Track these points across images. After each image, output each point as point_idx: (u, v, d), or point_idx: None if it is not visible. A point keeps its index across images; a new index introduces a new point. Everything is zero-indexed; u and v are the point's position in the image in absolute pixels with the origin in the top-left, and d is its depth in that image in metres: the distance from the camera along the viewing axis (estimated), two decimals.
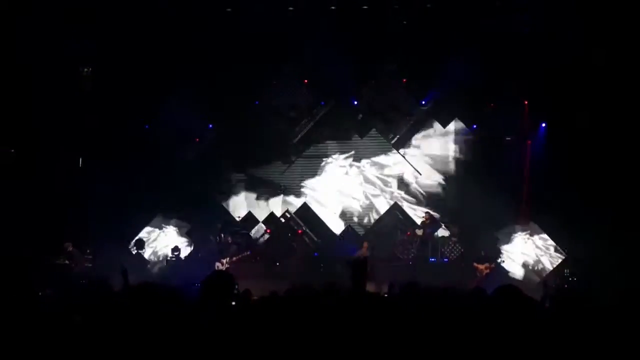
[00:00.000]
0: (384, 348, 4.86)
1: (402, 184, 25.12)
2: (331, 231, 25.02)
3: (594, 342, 4.83)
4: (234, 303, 6.27)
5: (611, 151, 21.26)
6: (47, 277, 16.21)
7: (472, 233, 23.63)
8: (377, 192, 25.15)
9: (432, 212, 24.31)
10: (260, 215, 25.26)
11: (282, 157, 25.39)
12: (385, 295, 15.24)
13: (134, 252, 24.41)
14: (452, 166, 24.79)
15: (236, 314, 5.40)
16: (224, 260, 22.52)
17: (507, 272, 23.37)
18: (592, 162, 21.55)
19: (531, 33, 22.25)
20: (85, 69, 24.46)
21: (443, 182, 24.77)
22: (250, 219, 25.21)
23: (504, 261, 23.46)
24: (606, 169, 21.34)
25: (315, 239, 25.16)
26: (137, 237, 24.71)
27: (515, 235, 23.81)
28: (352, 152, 25.19)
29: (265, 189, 25.23)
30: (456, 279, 21.84)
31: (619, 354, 4.74)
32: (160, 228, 25.04)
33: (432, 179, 24.88)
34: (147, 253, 24.71)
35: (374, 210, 25.18)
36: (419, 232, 23.71)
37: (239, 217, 25.03)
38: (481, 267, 22.80)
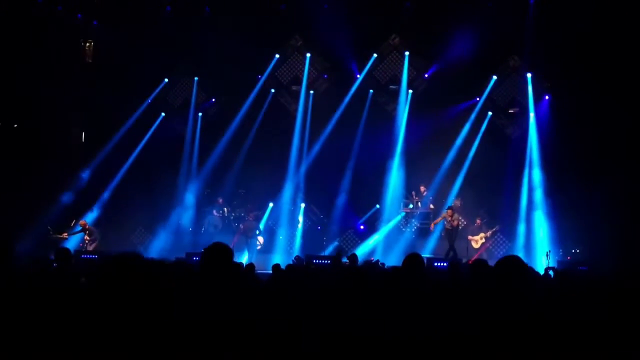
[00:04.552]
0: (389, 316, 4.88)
1: None
2: (335, 204, 24.81)
3: (595, 310, 4.86)
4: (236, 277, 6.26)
5: (616, 124, 21.20)
6: (51, 249, 16.33)
7: (474, 205, 23.60)
8: None
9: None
10: (263, 189, 25.05)
11: (283, 129, 25.17)
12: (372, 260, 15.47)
13: None
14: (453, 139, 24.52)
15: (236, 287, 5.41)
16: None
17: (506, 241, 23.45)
18: (596, 135, 21.53)
19: (535, 4, 22.15)
20: (87, 43, 24.50)
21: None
22: (252, 193, 24.99)
23: (498, 230, 23.35)
24: (610, 142, 21.32)
25: (318, 212, 25.13)
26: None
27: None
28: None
29: (267, 163, 24.96)
30: (461, 251, 22.10)
31: (619, 322, 4.77)
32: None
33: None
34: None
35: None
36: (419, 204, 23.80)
37: (242, 191, 24.88)
38: (476, 238, 22.89)
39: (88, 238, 21.80)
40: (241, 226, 23.26)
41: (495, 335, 4.36)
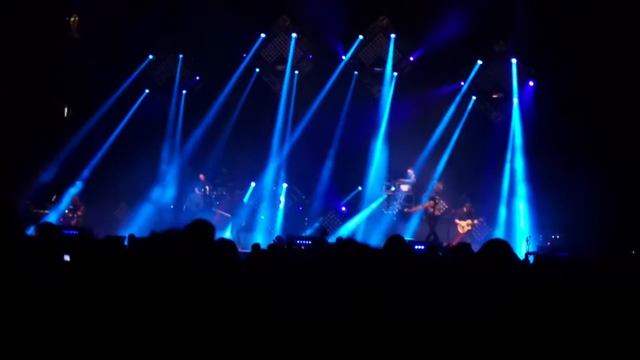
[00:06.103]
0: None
1: None
2: (317, 185, 24.78)
3: (575, 296, 4.92)
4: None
5: (599, 111, 21.29)
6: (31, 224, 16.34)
7: (456, 189, 23.70)
8: None
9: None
10: (245, 168, 24.97)
11: (267, 109, 25.10)
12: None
13: None
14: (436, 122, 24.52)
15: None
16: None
17: (487, 226, 23.55)
18: (578, 122, 21.62)
19: None
20: (72, 18, 24.32)
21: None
22: (234, 172, 24.93)
23: (483, 220, 23.47)
24: (593, 130, 21.43)
25: (300, 192, 25.14)
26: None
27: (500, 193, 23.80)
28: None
29: (250, 142, 24.88)
30: (442, 234, 22.22)
31: (600, 306, 4.83)
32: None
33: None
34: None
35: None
36: (404, 187, 23.79)
37: (224, 169, 24.79)
38: (463, 223, 22.96)
39: (80, 213, 22.01)
40: (219, 211, 23.24)
41: (476, 320, 4.41)
